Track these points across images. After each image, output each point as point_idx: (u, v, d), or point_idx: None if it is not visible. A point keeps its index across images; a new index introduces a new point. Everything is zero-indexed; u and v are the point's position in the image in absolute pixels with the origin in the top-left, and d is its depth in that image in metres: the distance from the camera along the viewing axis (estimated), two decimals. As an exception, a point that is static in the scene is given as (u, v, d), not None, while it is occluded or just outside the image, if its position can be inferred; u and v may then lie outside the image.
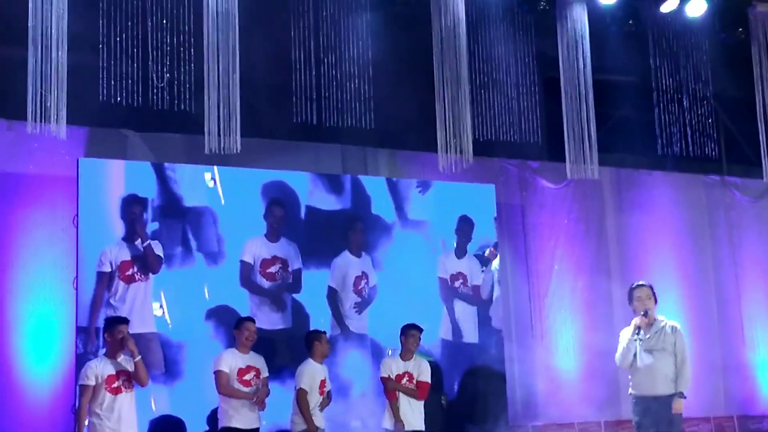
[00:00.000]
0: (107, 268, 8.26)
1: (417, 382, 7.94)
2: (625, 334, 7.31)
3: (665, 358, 7.14)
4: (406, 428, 7.82)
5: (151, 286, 8.39)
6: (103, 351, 7.26)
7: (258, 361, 7.66)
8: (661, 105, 9.96)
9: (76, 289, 8.13)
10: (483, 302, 9.66)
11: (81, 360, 7.75)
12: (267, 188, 8.95)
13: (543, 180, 10.70)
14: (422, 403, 7.97)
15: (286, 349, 8.51)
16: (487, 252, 9.77)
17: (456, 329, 9.47)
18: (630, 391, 7.26)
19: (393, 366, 7.98)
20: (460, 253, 9.62)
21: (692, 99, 10.08)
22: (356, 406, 8.80)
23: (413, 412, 7.90)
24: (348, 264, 9.12)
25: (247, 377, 7.52)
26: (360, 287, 9.12)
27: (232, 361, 7.49)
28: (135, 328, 7.97)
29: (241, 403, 7.46)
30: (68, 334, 8.23)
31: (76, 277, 8.14)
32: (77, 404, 7.04)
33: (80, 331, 8.05)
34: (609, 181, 11.01)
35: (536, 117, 9.62)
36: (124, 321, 7.27)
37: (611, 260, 10.91)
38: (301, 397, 7.63)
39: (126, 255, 8.32)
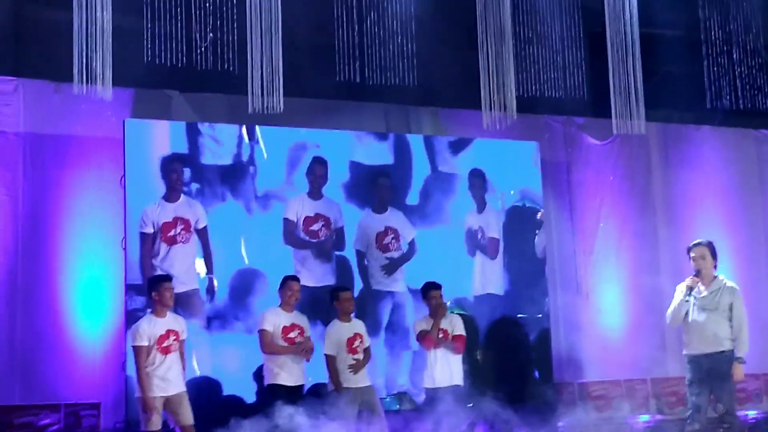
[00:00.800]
0: (149, 230, 8.35)
1: (452, 336, 7.96)
2: (679, 291, 7.24)
3: (718, 318, 7.08)
4: (444, 384, 7.85)
5: (194, 245, 8.46)
6: (150, 310, 7.38)
7: (302, 319, 7.74)
8: (710, 58, 9.77)
9: (125, 249, 8.25)
10: (523, 254, 9.58)
11: (131, 317, 7.89)
12: (307, 147, 8.93)
13: (588, 136, 10.58)
14: (460, 357, 7.99)
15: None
16: (539, 215, 9.71)
17: (484, 284, 9.43)
18: (684, 350, 7.21)
19: (424, 325, 8.01)
20: (480, 207, 9.53)
21: (742, 51, 9.88)
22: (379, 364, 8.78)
23: (451, 367, 7.93)
24: (368, 222, 9.09)
25: (291, 335, 7.62)
26: (385, 243, 9.10)
27: (276, 319, 7.58)
28: (178, 287, 8.10)
29: (286, 360, 7.54)
30: (118, 293, 8.37)
31: (125, 237, 8.26)
32: (135, 365, 7.18)
33: (129, 289, 8.16)
34: (656, 136, 10.85)
35: (581, 72, 9.50)
36: (168, 279, 7.41)
37: (657, 217, 10.80)
38: (328, 361, 7.71)
39: (167, 216, 8.39)
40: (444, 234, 9.33)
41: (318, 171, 8.89)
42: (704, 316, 7.07)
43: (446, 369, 7.90)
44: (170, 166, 8.47)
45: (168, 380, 7.17)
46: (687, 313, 7.13)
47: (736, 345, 7.05)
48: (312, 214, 8.82)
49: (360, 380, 7.76)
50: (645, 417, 10.03)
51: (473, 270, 9.45)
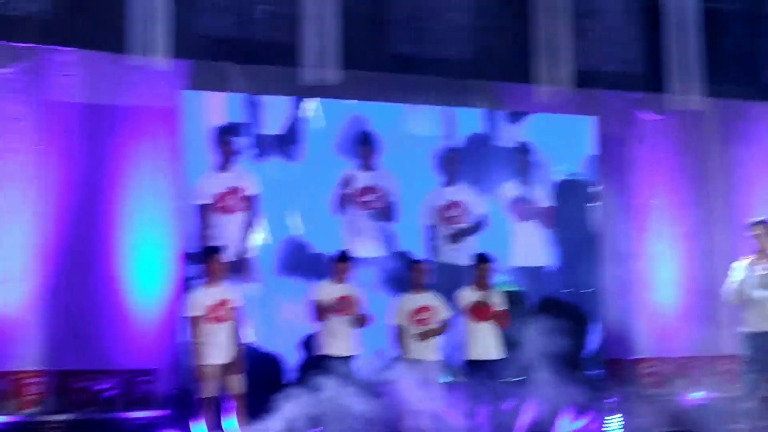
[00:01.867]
0: (204, 201, 8.42)
1: (495, 311, 7.95)
2: (738, 268, 7.15)
3: None
4: (486, 357, 7.85)
5: (248, 215, 8.51)
6: (204, 280, 7.47)
7: (353, 290, 7.79)
8: (770, 32, 9.59)
9: (181, 218, 8.34)
10: (576, 229, 9.50)
11: (186, 286, 8.00)
12: (361, 120, 8.95)
13: (645, 112, 10.44)
14: (498, 331, 7.96)
15: (384, 277, 8.62)
16: (594, 189, 9.62)
17: (526, 255, 9.44)
18: (742, 327, 7.11)
19: (470, 296, 7.97)
20: (526, 178, 9.50)
21: (803, 26, 9.68)
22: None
23: (493, 340, 7.93)
24: (434, 196, 9.13)
25: (343, 306, 7.67)
26: (449, 216, 9.05)
27: (328, 291, 7.60)
28: (233, 256, 8.22)
29: (338, 330, 7.56)
30: (173, 261, 8.46)
31: (181, 207, 8.34)
32: (190, 335, 7.29)
33: (184, 257, 8.25)
34: (713, 113, 10.63)
35: (639, 47, 9.39)
36: (221, 249, 7.49)
37: (714, 195, 10.63)
38: (394, 331, 7.76)
39: (221, 186, 8.45)
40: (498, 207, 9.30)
41: (368, 144, 8.87)
42: (765, 293, 6.97)
43: (490, 342, 7.90)
44: (223, 136, 8.53)
45: (222, 348, 7.28)
46: (750, 291, 7.03)
47: None
48: (364, 186, 8.81)
49: (427, 353, 7.77)
50: (697, 395, 9.96)
51: (519, 241, 9.43)
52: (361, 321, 7.70)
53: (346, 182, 8.80)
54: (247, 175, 8.58)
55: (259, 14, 8.10)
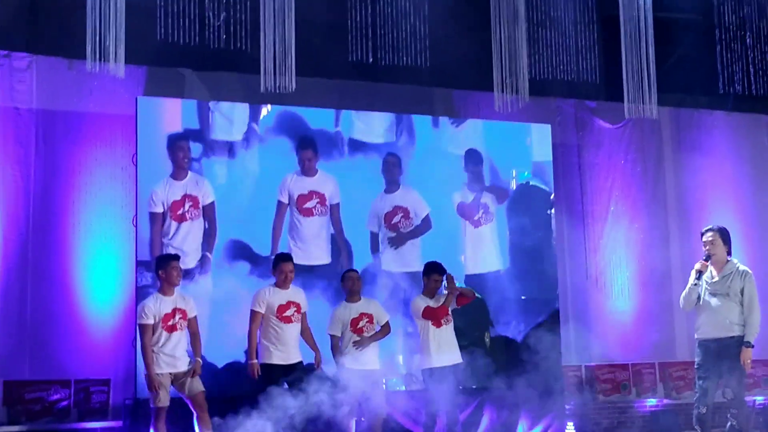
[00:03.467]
0: (159, 209, 8.35)
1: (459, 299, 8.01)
2: (692, 274, 7.24)
3: (730, 303, 7.06)
4: (444, 364, 7.85)
5: (202, 223, 8.48)
6: (157, 289, 7.41)
7: (298, 295, 7.69)
8: (724, 43, 9.73)
9: (136, 226, 8.28)
10: (531, 235, 9.60)
11: (141, 294, 7.93)
12: (302, 125, 8.92)
13: (600, 120, 10.57)
14: (454, 336, 7.97)
15: (328, 284, 8.54)
16: (551, 197, 9.73)
17: (479, 261, 9.39)
18: (695, 334, 7.21)
19: (423, 303, 7.97)
20: (474, 185, 9.46)
21: (755, 36, 9.83)
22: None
23: (450, 346, 7.92)
24: (378, 202, 9.07)
25: (287, 313, 7.56)
26: (394, 222, 9.09)
27: (271, 298, 7.57)
28: (189, 264, 8.17)
29: (280, 338, 7.48)
30: (128, 269, 8.41)
31: (136, 214, 8.28)
32: (141, 343, 7.23)
33: (140, 266, 8.19)
34: (668, 121, 10.84)
35: (594, 56, 9.49)
36: (176, 258, 7.44)
37: (668, 202, 10.80)
38: (331, 341, 7.79)
39: (176, 194, 8.39)
40: (450, 214, 9.33)
41: (307, 149, 8.80)
42: (716, 300, 7.07)
43: (446, 348, 7.89)
44: (177, 143, 8.46)
45: (176, 357, 7.22)
46: (699, 297, 7.13)
47: (746, 328, 7.04)
48: (306, 192, 8.81)
49: (366, 362, 7.77)
50: (652, 401, 10.06)
51: (473, 248, 9.41)
52: (306, 329, 7.65)
53: (285, 190, 8.72)
54: (203, 183, 8.53)
55: (217, 21, 8.06)
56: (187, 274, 8.10)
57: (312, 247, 8.72)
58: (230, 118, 8.68)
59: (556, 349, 9.30)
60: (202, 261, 8.43)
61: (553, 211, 9.73)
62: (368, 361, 7.78)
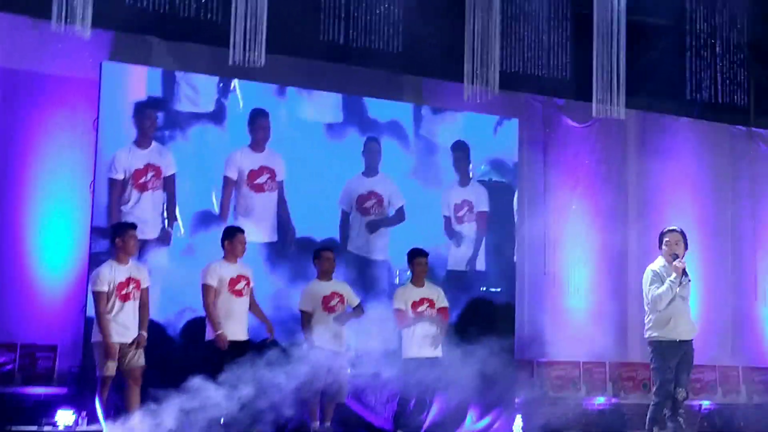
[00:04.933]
0: (120, 176, 8.22)
1: (438, 308, 7.97)
2: (657, 274, 7.11)
3: (687, 305, 7.12)
4: (425, 355, 7.85)
5: (163, 194, 8.37)
6: (112, 257, 7.30)
7: (248, 270, 7.65)
8: (693, 50, 9.81)
9: (93, 192, 8.15)
10: (492, 230, 9.59)
11: (94, 261, 7.81)
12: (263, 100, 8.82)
13: (567, 118, 10.59)
14: (439, 329, 7.97)
15: (274, 262, 8.48)
16: (515, 193, 9.73)
17: (462, 259, 9.42)
18: (651, 334, 7.11)
19: (407, 294, 7.98)
20: (464, 181, 9.51)
21: (725, 46, 9.92)
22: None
23: (433, 340, 7.93)
24: (354, 184, 9.04)
25: (238, 287, 7.52)
26: (366, 206, 9.04)
27: (222, 272, 7.48)
28: (147, 234, 8.07)
29: (230, 314, 7.43)
30: (83, 235, 8.27)
31: (93, 180, 8.15)
32: (96, 311, 7.12)
33: (94, 232, 8.07)
34: (634, 124, 10.89)
35: (565, 53, 9.51)
36: (133, 227, 7.34)
37: (629, 204, 10.86)
38: (302, 317, 7.75)
39: (139, 162, 8.27)
40: (422, 202, 9.28)
41: (261, 123, 8.70)
42: (684, 302, 7.07)
43: (428, 339, 7.90)
44: (144, 111, 8.35)
45: (127, 327, 7.13)
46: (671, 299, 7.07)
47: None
48: (256, 167, 8.69)
49: (333, 343, 7.73)
50: (601, 399, 10.12)
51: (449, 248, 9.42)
52: (255, 303, 7.58)
53: (235, 166, 8.61)
54: (166, 154, 8.41)
55: (188, -11, 7.96)
56: (144, 244, 7.99)
57: (262, 223, 8.62)
58: (197, 89, 8.57)
59: (510, 343, 9.30)
60: (162, 233, 8.31)
61: (515, 206, 9.74)
62: (336, 341, 7.76)
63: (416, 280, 8.11)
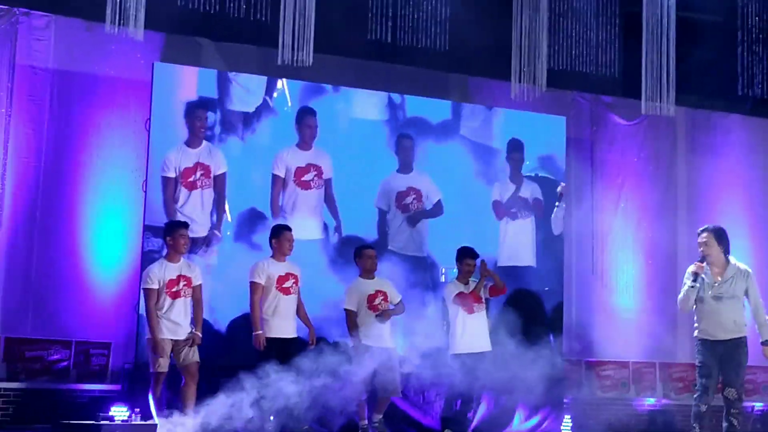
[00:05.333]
0: (171, 174, 8.35)
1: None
2: (687, 276, 7.15)
3: (734, 304, 7.01)
4: (469, 350, 7.89)
5: (212, 192, 8.47)
6: (163, 254, 7.42)
7: (296, 268, 7.69)
8: (745, 45, 9.66)
9: (145, 191, 8.28)
10: (541, 227, 9.57)
11: (146, 259, 7.94)
12: (311, 99, 8.90)
13: (615, 116, 10.52)
14: (486, 321, 8.03)
15: (320, 259, 8.52)
16: (559, 188, 9.67)
17: (512, 254, 9.41)
18: (695, 334, 7.13)
19: (455, 288, 8.04)
20: (516, 179, 9.50)
21: (778, 40, 9.78)
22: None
23: (480, 332, 7.96)
24: (391, 181, 9.07)
25: (286, 285, 7.57)
26: (405, 203, 9.07)
27: (271, 270, 7.54)
28: (197, 232, 8.19)
29: (278, 312, 7.48)
30: (136, 233, 8.39)
31: (146, 179, 8.28)
32: (145, 307, 7.26)
33: (147, 230, 8.19)
34: (684, 121, 10.77)
35: (613, 50, 9.44)
36: (185, 225, 7.45)
37: (679, 202, 10.74)
38: (347, 316, 7.80)
39: (189, 161, 8.39)
40: (467, 200, 9.30)
41: (308, 121, 8.78)
42: (722, 302, 6.99)
43: (474, 334, 7.94)
44: (195, 112, 8.47)
45: (178, 324, 7.23)
46: (702, 299, 7.03)
47: (761, 329, 6.97)
48: (303, 164, 8.76)
49: (381, 339, 7.76)
50: (651, 400, 10.04)
51: (507, 240, 9.44)
52: (301, 304, 7.64)
53: (282, 164, 8.69)
54: (216, 153, 8.52)
55: (238, -10, 8.05)
56: (195, 242, 8.10)
57: (308, 221, 8.69)
58: (248, 89, 8.67)
59: (558, 342, 9.28)
60: (210, 234, 8.42)
61: (563, 204, 9.70)
62: (384, 338, 7.79)
63: (461, 278, 8.15)
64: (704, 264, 7.05)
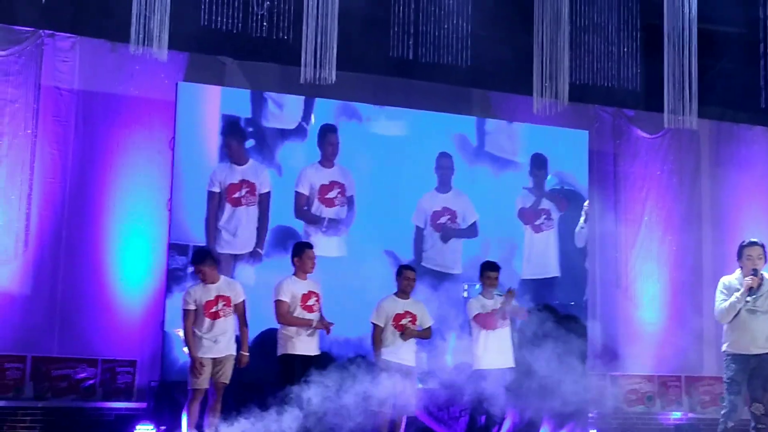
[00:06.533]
0: (216, 189, 8.44)
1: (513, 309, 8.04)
2: (726, 287, 7.03)
3: (766, 318, 6.96)
4: (490, 366, 7.87)
5: (256, 210, 8.54)
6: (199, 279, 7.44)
7: (317, 286, 7.68)
8: (767, 57, 9.62)
9: (170, 210, 8.33)
10: (565, 241, 9.57)
11: (172, 277, 7.97)
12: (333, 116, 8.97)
13: (638, 129, 10.50)
14: (510, 338, 8.00)
15: (343, 278, 8.53)
16: (584, 210, 9.68)
17: (538, 266, 9.44)
18: (725, 348, 7.05)
19: (478, 305, 8.04)
20: (538, 193, 9.54)
21: (800, 52, 9.73)
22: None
23: (502, 348, 7.95)
24: (428, 199, 9.13)
25: (309, 302, 7.57)
26: (439, 222, 9.10)
27: (294, 288, 7.56)
28: (238, 249, 8.32)
29: (302, 330, 7.48)
30: (160, 252, 8.45)
31: (171, 197, 8.34)
32: (183, 328, 7.30)
33: (172, 249, 8.24)
34: (707, 134, 10.73)
35: (635, 64, 9.44)
36: (211, 254, 7.53)
37: (703, 215, 10.69)
38: (374, 330, 7.79)
39: (234, 178, 8.47)
40: (493, 216, 9.33)
41: (330, 139, 8.85)
42: (756, 316, 6.92)
43: (495, 351, 7.92)
44: (235, 128, 8.55)
45: (218, 343, 7.25)
46: (738, 312, 6.97)
47: None
48: (327, 182, 8.82)
49: (404, 357, 7.77)
50: (677, 414, 9.97)
51: (532, 253, 9.48)
52: (325, 326, 7.63)
53: (306, 181, 8.75)
54: (262, 171, 8.60)
55: (260, 10, 8.10)
56: (236, 259, 8.22)
57: (333, 239, 8.72)
58: (271, 108, 8.74)
59: (583, 356, 9.23)
60: (253, 254, 8.53)
61: (587, 218, 9.69)
62: (406, 356, 7.80)
63: (485, 293, 8.14)
64: (759, 278, 6.91)
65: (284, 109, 8.76)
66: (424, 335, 7.96)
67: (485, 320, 7.96)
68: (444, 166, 9.16)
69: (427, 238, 9.08)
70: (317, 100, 8.83)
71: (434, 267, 9.05)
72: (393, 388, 7.62)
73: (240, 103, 8.67)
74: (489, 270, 8.13)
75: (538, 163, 9.51)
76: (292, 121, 8.79)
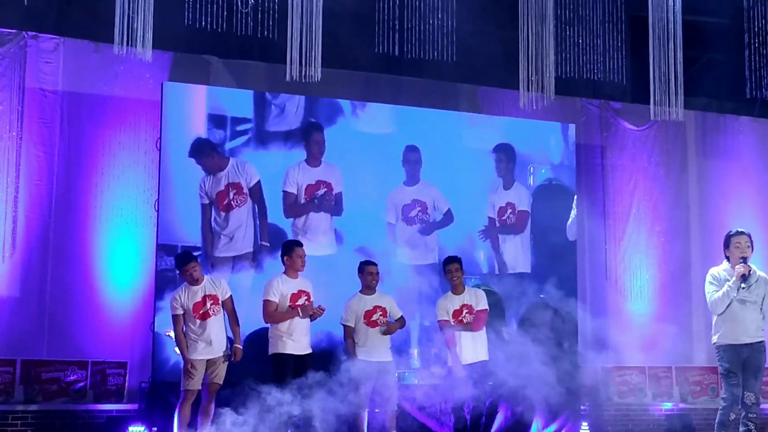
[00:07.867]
0: (206, 201, 8.44)
1: (476, 311, 7.94)
2: (716, 277, 7.04)
3: (756, 309, 6.95)
4: (471, 360, 7.85)
5: (251, 206, 8.54)
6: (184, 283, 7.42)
7: (308, 285, 7.63)
8: (752, 47, 9.64)
9: (158, 210, 8.31)
10: (553, 234, 9.57)
11: (160, 278, 7.95)
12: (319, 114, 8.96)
13: (625, 121, 10.52)
14: (484, 331, 7.97)
15: (334, 275, 8.49)
16: (575, 198, 9.69)
17: (515, 261, 9.45)
18: (716, 340, 7.05)
19: (448, 305, 7.93)
20: (507, 183, 9.50)
21: (786, 42, 9.75)
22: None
23: (475, 343, 7.91)
24: (397, 195, 9.10)
25: (299, 302, 7.52)
26: (410, 215, 9.09)
27: (283, 287, 7.51)
28: (237, 250, 8.33)
29: (293, 328, 7.44)
30: (149, 253, 8.43)
31: (158, 198, 8.31)
32: (173, 334, 7.29)
33: (160, 249, 8.22)
34: (693, 125, 10.76)
35: (621, 56, 9.44)
36: (192, 257, 7.48)
37: (691, 206, 10.72)
38: (345, 331, 7.79)
39: (220, 185, 8.47)
40: (471, 210, 9.32)
41: (316, 137, 8.82)
42: (746, 306, 6.94)
43: (470, 345, 7.87)
44: (204, 146, 8.52)
45: (211, 344, 7.24)
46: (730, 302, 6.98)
47: None
48: (313, 182, 8.79)
49: (378, 354, 7.74)
50: (668, 405, 10.01)
51: (500, 249, 9.44)
52: (313, 312, 7.58)
53: (293, 182, 8.73)
54: (244, 167, 8.56)
55: (244, 8, 8.07)
56: (242, 258, 8.29)
57: (321, 236, 8.71)
58: (257, 106, 8.72)
59: (573, 349, 9.25)
60: (256, 248, 8.54)
61: (574, 211, 9.69)
62: (381, 353, 7.77)
63: (454, 288, 8.06)
64: (747, 266, 6.93)
65: (272, 108, 8.72)
66: (399, 325, 7.91)
67: (445, 336, 7.92)
68: (411, 159, 9.12)
69: (400, 233, 9.05)
70: (303, 97, 8.80)
71: (409, 262, 9.02)
72: (374, 387, 7.61)
73: (223, 103, 8.63)
74: (448, 263, 8.05)
75: (502, 156, 9.46)
76: (280, 120, 8.75)
